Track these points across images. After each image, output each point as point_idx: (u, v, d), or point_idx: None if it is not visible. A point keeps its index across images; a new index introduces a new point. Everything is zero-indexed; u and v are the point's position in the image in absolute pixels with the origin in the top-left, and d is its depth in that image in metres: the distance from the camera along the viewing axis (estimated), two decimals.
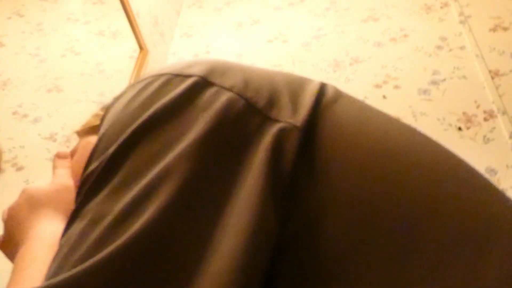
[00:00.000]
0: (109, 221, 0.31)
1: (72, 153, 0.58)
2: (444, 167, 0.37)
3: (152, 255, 0.29)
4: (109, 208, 0.32)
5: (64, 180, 0.51)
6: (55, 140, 1.28)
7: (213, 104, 0.34)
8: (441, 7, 1.96)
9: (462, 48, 1.76)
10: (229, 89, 0.35)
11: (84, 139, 0.56)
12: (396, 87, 1.70)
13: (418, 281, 0.29)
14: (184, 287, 0.28)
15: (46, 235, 0.45)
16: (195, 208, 0.30)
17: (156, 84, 0.37)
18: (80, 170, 0.49)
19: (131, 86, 0.40)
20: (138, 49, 1.85)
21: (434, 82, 1.67)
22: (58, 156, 0.55)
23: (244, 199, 0.30)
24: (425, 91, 1.64)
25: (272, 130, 0.33)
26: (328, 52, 1.96)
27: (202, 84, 0.36)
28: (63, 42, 1.48)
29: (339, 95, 0.40)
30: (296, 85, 0.38)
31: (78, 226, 0.33)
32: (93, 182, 0.34)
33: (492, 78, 1.60)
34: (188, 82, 0.36)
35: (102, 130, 0.38)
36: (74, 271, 0.29)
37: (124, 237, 0.29)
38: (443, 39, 1.83)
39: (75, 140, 1.40)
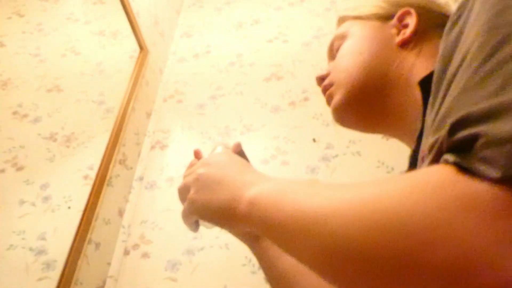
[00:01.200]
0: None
1: (342, 36, 0.62)
2: None
3: None
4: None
5: None
6: (55, 140, 1.28)
7: None
8: None
9: None
10: None
11: (350, 22, 0.62)
12: None
13: None
14: None
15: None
16: None
17: None
18: (356, 47, 0.58)
19: None
20: (138, 49, 1.85)
21: None
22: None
23: None
24: None
25: None
26: None
27: None
28: (63, 42, 1.48)
29: None
30: None
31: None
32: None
33: None
34: None
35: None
36: None
37: None
38: None
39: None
